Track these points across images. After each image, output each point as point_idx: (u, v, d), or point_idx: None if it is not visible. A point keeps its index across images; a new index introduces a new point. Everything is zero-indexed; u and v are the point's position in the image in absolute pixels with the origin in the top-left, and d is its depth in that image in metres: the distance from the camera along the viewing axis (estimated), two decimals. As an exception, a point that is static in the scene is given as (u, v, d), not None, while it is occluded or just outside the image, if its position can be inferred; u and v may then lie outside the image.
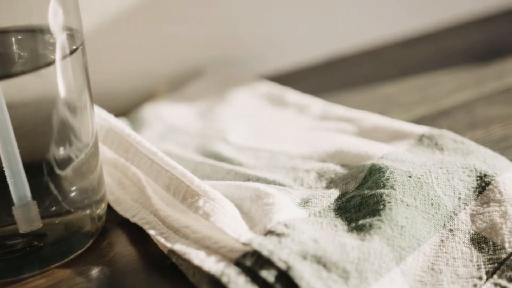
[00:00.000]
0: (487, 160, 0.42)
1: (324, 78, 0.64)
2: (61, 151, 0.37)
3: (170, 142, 0.51)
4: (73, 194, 0.38)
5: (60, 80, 0.36)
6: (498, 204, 0.39)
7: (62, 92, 0.36)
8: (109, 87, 0.58)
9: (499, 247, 0.37)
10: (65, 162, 0.37)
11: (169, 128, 0.53)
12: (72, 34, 0.37)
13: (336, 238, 0.36)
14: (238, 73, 0.61)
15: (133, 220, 0.41)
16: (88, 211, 0.40)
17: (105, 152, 0.45)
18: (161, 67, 0.60)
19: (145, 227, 0.40)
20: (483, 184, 0.40)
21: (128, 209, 0.42)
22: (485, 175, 0.40)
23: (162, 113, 0.55)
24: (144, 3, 0.58)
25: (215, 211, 0.37)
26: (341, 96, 0.59)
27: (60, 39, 0.35)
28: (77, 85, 0.37)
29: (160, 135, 0.52)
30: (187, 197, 0.39)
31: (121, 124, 0.43)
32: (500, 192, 0.40)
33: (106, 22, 0.56)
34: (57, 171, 0.37)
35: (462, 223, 0.39)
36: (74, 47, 0.37)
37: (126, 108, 0.59)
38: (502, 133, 0.50)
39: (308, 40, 0.67)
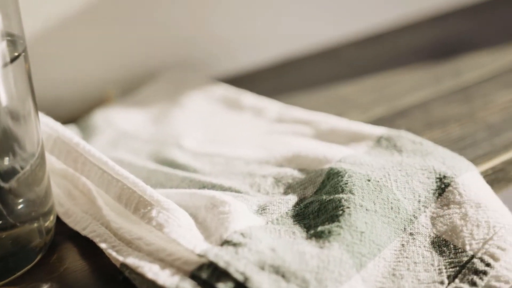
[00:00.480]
0: (446, 161, 0.42)
1: (280, 79, 0.63)
2: (5, 162, 0.36)
3: (122, 149, 0.49)
4: (19, 207, 0.37)
5: (1, 88, 0.34)
6: (458, 206, 0.39)
7: (3, 100, 0.35)
8: (57, 94, 0.57)
9: (460, 250, 0.37)
10: (9, 173, 0.36)
11: (121, 135, 0.52)
12: (13, 40, 0.35)
13: (294, 246, 0.35)
14: (192, 76, 0.59)
15: (83, 233, 0.39)
16: (35, 225, 0.38)
17: (53, 163, 0.43)
18: (112, 71, 0.59)
19: (96, 240, 0.38)
20: (443, 186, 0.40)
21: (78, 221, 0.40)
22: (444, 177, 0.40)
23: (113, 119, 0.54)
24: (92, 4, 0.56)
25: (169, 221, 0.36)
26: (297, 98, 0.58)
27: None
28: (20, 92, 0.36)
29: (111, 142, 0.51)
30: (140, 207, 0.38)
31: (69, 133, 0.42)
32: (459, 194, 0.39)
33: (51, 26, 0.55)
34: (1, 183, 0.35)
35: (423, 226, 0.38)
36: (16, 54, 0.35)
37: (76, 115, 0.57)
38: (460, 133, 0.49)
39: (263, 41, 0.66)
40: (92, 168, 0.40)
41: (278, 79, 0.64)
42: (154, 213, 0.37)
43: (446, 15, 0.76)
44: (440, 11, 0.76)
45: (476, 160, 0.44)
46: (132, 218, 0.39)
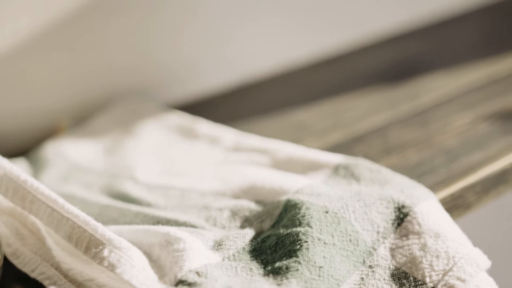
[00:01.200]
0: (405, 189, 0.41)
1: (237, 105, 0.63)
2: None
3: (74, 183, 0.48)
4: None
5: None
6: (417, 236, 0.38)
7: None
8: (4, 126, 0.55)
9: (420, 283, 0.36)
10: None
11: (73, 168, 0.50)
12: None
13: (251, 284, 0.34)
14: (146, 104, 0.58)
15: (32, 275, 0.38)
16: (-19, 267, 0.36)
17: (1, 201, 0.42)
18: (62, 100, 0.58)
19: (45, 283, 0.37)
20: (401, 216, 0.39)
21: (27, 263, 0.39)
22: (403, 206, 0.39)
23: (64, 151, 0.52)
24: (40, 33, 0.55)
25: (121, 261, 0.35)
26: (254, 124, 0.57)
27: None
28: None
29: (63, 176, 0.49)
30: (91, 247, 0.36)
31: (17, 170, 0.40)
32: (418, 224, 0.39)
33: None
34: None
35: (382, 258, 0.38)
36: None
37: (26, 147, 0.56)
38: (418, 158, 0.49)
39: (218, 65, 0.66)
40: (40, 206, 0.39)
41: (234, 105, 0.63)
42: (106, 252, 0.35)
43: (402, 36, 0.76)
44: (396, 33, 0.76)
45: (434, 187, 0.44)
46: (83, 258, 0.38)
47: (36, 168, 0.51)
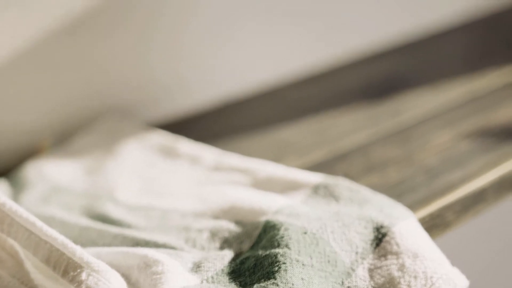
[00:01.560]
0: (384, 209, 0.41)
1: (219, 123, 0.63)
2: None
3: (54, 205, 0.48)
4: None
5: None
6: (395, 257, 0.38)
7: None
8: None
9: (398, 303, 0.36)
10: None
11: (54, 189, 0.50)
12: None
13: (229, 306, 0.34)
14: (127, 123, 0.58)
15: (10, 299, 0.38)
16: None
17: (-21, 223, 0.41)
18: (43, 120, 0.58)
19: (23, 307, 0.37)
20: (380, 236, 0.39)
21: (5, 286, 0.39)
22: (381, 226, 0.40)
23: (45, 172, 0.52)
24: (22, 50, 0.55)
25: (99, 284, 0.35)
26: (237, 142, 0.58)
27: None
28: None
29: (43, 197, 0.49)
30: (69, 270, 0.36)
31: (-5, 192, 0.40)
32: (397, 244, 0.39)
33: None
34: None
35: (360, 279, 0.38)
36: None
37: (6, 168, 0.55)
38: (398, 177, 0.49)
39: (201, 83, 0.66)
40: (19, 229, 0.39)
41: (217, 123, 0.63)
42: (83, 276, 0.35)
43: (385, 53, 0.76)
44: (379, 49, 0.77)
45: (414, 206, 0.44)
46: (61, 281, 0.37)
47: (17, 189, 0.51)
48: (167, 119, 0.63)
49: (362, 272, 0.38)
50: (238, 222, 0.42)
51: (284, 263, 0.36)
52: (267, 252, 0.38)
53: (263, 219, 0.41)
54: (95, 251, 0.40)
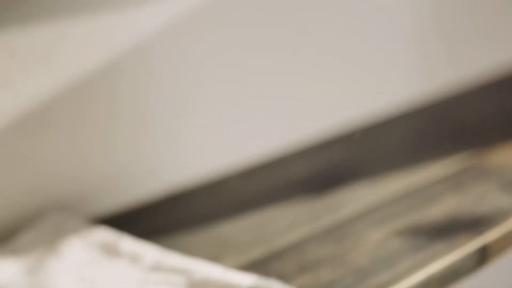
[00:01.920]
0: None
1: (164, 216, 0.64)
2: None
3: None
4: None
5: None
6: None
7: None
8: None
9: None
10: None
11: (-7, 289, 0.51)
12: None
13: None
14: (71, 219, 0.59)
15: None
16: None
17: None
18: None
19: None
20: None
21: None
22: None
23: (-15, 272, 0.53)
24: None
25: None
26: (178, 237, 0.59)
27: None
28: None
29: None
30: None
31: None
32: None
33: None
34: None
35: None
36: None
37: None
38: (329, 277, 0.51)
39: (144, 176, 0.67)
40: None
41: (161, 217, 0.64)
42: None
43: (327, 143, 0.78)
44: (321, 140, 0.79)
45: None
46: None
47: (-44, 289, 0.51)
48: (111, 213, 0.64)
49: None
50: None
51: None
52: None
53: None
54: None
